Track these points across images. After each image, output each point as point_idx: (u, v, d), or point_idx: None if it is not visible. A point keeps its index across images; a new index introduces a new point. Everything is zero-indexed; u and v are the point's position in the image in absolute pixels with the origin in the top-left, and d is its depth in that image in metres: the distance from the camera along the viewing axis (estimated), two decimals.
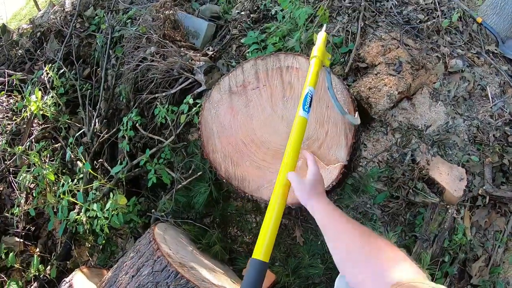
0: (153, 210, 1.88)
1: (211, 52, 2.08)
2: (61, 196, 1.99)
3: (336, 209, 0.93)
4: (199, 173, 1.86)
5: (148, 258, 1.48)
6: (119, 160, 2.01)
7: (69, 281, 1.67)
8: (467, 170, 1.98)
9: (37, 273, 2.07)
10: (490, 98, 2.16)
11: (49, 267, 2.08)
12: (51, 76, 2.35)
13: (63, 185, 1.93)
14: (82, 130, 2.03)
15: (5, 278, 2.08)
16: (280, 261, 1.81)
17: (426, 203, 1.88)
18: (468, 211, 1.96)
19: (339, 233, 0.84)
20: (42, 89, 2.48)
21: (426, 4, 2.31)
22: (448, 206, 1.88)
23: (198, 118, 1.75)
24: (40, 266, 2.09)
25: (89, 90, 2.35)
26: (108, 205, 1.88)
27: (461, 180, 1.95)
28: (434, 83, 2.12)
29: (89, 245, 2.13)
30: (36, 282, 2.06)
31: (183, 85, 1.98)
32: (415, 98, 2.09)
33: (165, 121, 1.92)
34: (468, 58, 2.21)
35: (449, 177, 1.92)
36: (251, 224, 1.90)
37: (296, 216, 1.85)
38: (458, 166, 1.97)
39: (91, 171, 1.83)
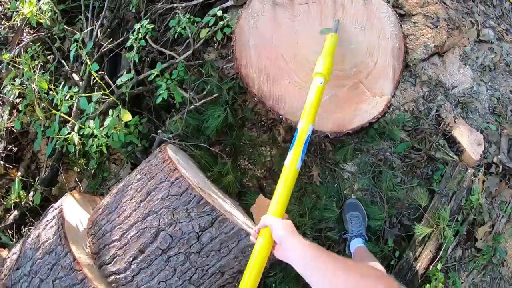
0: (159, 131, 1.68)
1: None
2: (52, 110, 1.74)
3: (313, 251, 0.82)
4: (214, 95, 1.67)
5: (162, 180, 1.25)
6: (124, 73, 1.78)
7: (59, 207, 1.40)
8: (485, 137, 1.99)
9: (18, 200, 1.82)
10: None
11: (32, 193, 1.84)
12: None
13: (55, 95, 1.68)
14: (82, 35, 1.77)
15: None
16: (294, 200, 1.67)
17: (446, 160, 1.84)
18: (483, 176, 1.93)
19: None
20: None
21: None
22: (467, 167, 1.84)
23: (230, 29, 1.56)
24: (21, 192, 1.85)
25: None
26: (107, 122, 1.65)
27: (479, 145, 1.94)
28: (466, 46, 2.08)
29: (78, 170, 1.90)
30: (16, 210, 1.82)
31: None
32: (446, 56, 2.04)
33: (184, 32, 1.70)
34: (499, 32, 2.19)
35: (469, 139, 1.91)
36: (265, 157, 1.74)
37: (314, 154, 1.72)
38: (477, 131, 1.96)
39: (94, 75, 1.59)
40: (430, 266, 1.66)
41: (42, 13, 2.04)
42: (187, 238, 1.19)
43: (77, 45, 1.64)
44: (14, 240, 1.79)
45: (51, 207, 1.45)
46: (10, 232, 1.81)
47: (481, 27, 2.12)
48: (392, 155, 1.80)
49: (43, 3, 2.03)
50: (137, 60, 1.71)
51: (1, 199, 1.93)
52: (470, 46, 2.06)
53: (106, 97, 1.70)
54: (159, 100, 1.65)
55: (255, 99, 1.39)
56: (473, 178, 1.77)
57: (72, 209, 1.46)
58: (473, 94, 1.99)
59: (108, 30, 1.95)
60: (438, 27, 1.90)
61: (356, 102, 1.35)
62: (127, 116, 1.62)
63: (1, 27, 2.07)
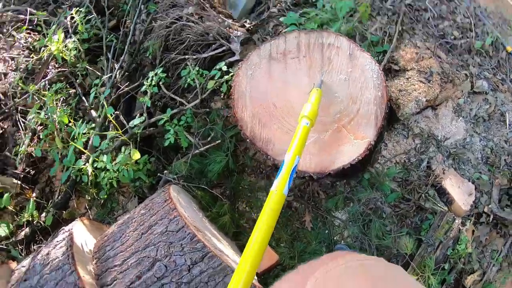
0: (165, 171, 1.83)
1: (248, 25, 2.05)
2: (70, 142, 1.91)
3: None
4: (218, 141, 1.82)
5: (163, 216, 1.43)
6: (137, 115, 1.95)
7: (69, 230, 1.58)
8: (476, 187, 2.05)
9: (30, 219, 1.98)
10: (507, 124, 2.24)
11: (44, 214, 2.00)
12: (76, 20, 2.26)
13: (74, 128, 1.85)
14: (103, 80, 1.96)
15: None
16: (286, 243, 1.78)
17: (435, 210, 1.92)
18: (472, 226, 2.00)
19: None
20: (64, 32, 2.39)
21: (462, 22, 2.34)
22: (455, 217, 1.92)
23: (232, 80, 1.74)
24: (34, 211, 2.01)
25: (114, 42, 2.28)
26: (119, 158, 1.82)
27: (470, 195, 2.01)
28: (459, 98, 2.17)
29: (89, 198, 2.06)
30: (28, 228, 1.98)
31: (216, 51, 1.93)
32: (439, 109, 2.12)
33: (192, 83, 1.87)
34: (494, 82, 2.27)
35: (460, 190, 1.98)
36: (261, 202, 1.87)
37: (308, 201, 1.84)
38: (469, 181, 2.03)
39: (110, 117, 1.76)
40: None
41: (67, 50, 2.24)
42: (180, 270, 1.33)
43: (96, 90, 1.82)
44: (23, 255, 1.93)
45: (62, 229, 1.60)
46: (20, 247, 1.95)
47: (475, 78, 2.20)
48: (383, 204, 1.91)
49: (69, 42, 2.24)
50: (149, 105, 1.87)
51: (15, 216, 2.08)
52: (464, 98, 2.14)
53: (119, 136, 1.87)
54: (166, 143, 1.80)
55: (247, 140, 1.54)
56: (460, 228, 1.85)
57: (81, 233, 1.62)
58: (465, 145, 2.07)
59: (126, 73, 2.12)
60: (431, 81, 2.01)
61: (338, 145, 1.47)
62: (136, 155, 1.78)
63: (30, 60, 2.27)
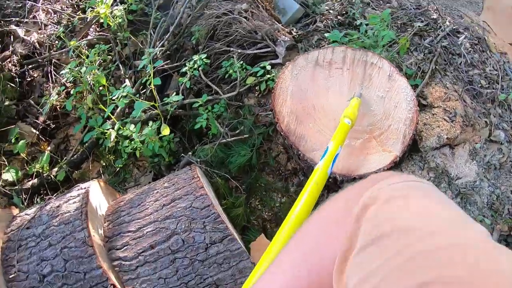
0: (189, 153, 1.85)
1: (295, 33, 2.12)
2: (100, 104, 1.92)
3: None
4: (245, 135, 1.86)
5: (188, 192, 1.44)
6: (169, 94, 1.97)
7: (86, 188, 1.57)
8: None
9: (40, 170, 1.97)
10: None
11: (56, 169, 1.99)
12: None
13: (106, 91, 1.87)
14: (153, 53, 1.97)
15: (6, 162, 1.97)
16: None
17: None
18: None
19: None
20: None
21: (491, 73, 2.47)
22: None
23: (274, 79, 1.84)
24: (46, 164, 2.00)
25: (159, 20, 2.32)
26: (146, 130, 1.83)
27: None
28: (476, 143, 2.27)
29: (105, 164, 2.06)
30: (36, 179, 1.96)
31: (261, 50, 1.99)
32: (456, 149, 2.22)
33: (234, 75, 1.91)
34: (510, 134, 2.38)
35: None
36: (274, 202, 1.90)
37: None
38: None
39: (152, 88, 1.77)
40: None
41: (113, 17, 2.27)
42: (197, 247, 1.35)
43: (148, 58, 1.83)
44: (25, 204, 1.90)
45: (78, 186, 1.59)
46: (24, 196, 1.92)
47: (494, 128, 2.32)
48: None
49: (116, 9, 2.27)
50: (188, 86, 1.91)
51: (26, 164, 2.05)
52: (481, 144, 2.26)
53: (152, 109, 1.89)
54: (197, 126, 1.83)
55: (281, 133, 1.59)
56: None
57: (96, 194, 1.61)
58: (474, 188, 2.16)
59: (167, 52, 2.16)
60: (454, 121, 2.12)
61: (367, 153, 1.56)
62: (166, 131, 1.80)
63: (75, 16, 2.28)
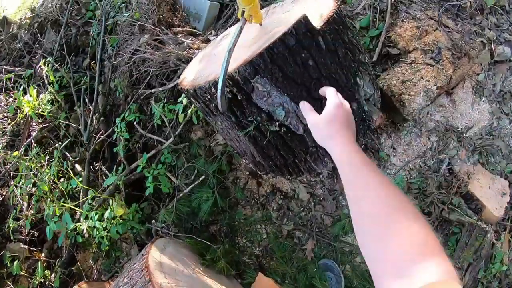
0: (153, 221, 1.71)
1: (213, 37, 1.81)
2: (58, 204, 1.86)
3: (356, 156, 0.73)
4: (201, 178, 1.65)
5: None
6: (115, 166, 1.84)
7: None
8: (511, 183, 1.65)
9: (42, 280, 1.99)
10: None
11: (53, 274, 2.00)
12: (47, 71, 2.18)
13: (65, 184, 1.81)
14: (80, 129, 1.86)
15: (11, 286, 2.03)
16: (290, 279, 1.59)
17: (462, 222, 1.58)
18: (508, 234, 1.64)
19: (360, 189, 0.67)
20: (41, 84, 2.34)
21: None
22: (486, 229, 1.57)
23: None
24: (46, 271, 2.02)
25: (88, 83, 2.17)
26: (106, 214, 1.73)
27: (504, 196, 1.65)
28: (478, 74, 1.77)
29: (93, 251, 2.02)
30: None
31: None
32: (455, 93, 1.74)
33: (160, 122, 1.71)
34: None
35: (490, 192, 1.63)
36: (261, 236, 1.68)
37: (311, 228, 1.62)
38: (501, 177, 1.65)
39: (81, 185, 1.66)
40: None
41: (46, 104, 2.17)
42: None
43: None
44: None
45: None
46: None
47: (494, 44, 1.76)
48: None
49: (42, 97, 2.17)
50: (123, 154, 1.75)
51: (29, 279, 2.10)
52: (484, 72, 1.75)
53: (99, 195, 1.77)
54: (147, 193, 1.67)
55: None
56: (494, 241, 1.52)
57: None
58: (492, 132, 1.69)
59: (102, 118, 2.01)
60: (441, 61, 1.64)
61: None
62: (120, 211, 1.68)
63: (12, 124, 2.24)
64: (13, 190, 2.07)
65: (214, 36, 1.87)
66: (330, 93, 0.88)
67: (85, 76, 2.26)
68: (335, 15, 1.04)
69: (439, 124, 1.66)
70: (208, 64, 1.22)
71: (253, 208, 1.71)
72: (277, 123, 1.04)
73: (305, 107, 0.91)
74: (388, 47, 1.71)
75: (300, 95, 0.97)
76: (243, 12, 1.04)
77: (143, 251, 1.45)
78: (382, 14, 1.77)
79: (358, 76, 1.17)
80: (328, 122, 0.82)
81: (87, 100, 2.15)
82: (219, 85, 0.93)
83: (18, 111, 2.17)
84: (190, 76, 1.22)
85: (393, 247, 0.55)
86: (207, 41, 1.82)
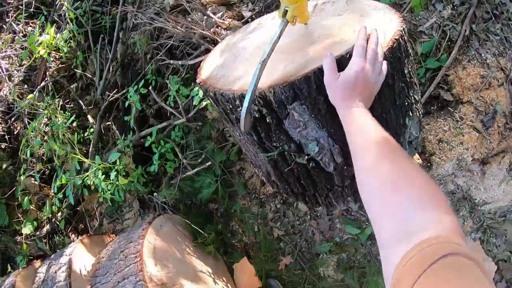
0: (155, 194, 1.76)
1: (250, 13, 1.62)
2: (71, 150, 1.92)
3: (371, 130, 0.69)
4: (207, 164, 1.66)
5: (132, 273, 1.42)
6: (124, 133, 1.83)
7: (69, 255, 1.70)
8: (499, 269, 1.53)
9: (50, 215, 2.15)
10: None
11: (60, 213, 2.15)
12: (66, 6, 2.04)
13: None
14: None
15: (21, 218, 2.19)
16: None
17: None
18: None
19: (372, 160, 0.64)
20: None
21: None
22: None
23: None
24: (53, 207, 2.16)
25: (107, 25, 2.05)
26: (112, 175, 1.79)
27: None
28: None
29: (98, 195, 2.13)
30: (48, 225, 2.17)
31: (203, 57, 1.62)
32: (489, 164, 1.53)
33: (173, 104, 1.64)
34: None
35: None
36: (253, 230, 1.74)
37: (300, 237, 1.65)
38: (492, 261, 1.53)
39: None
40: None
41: (62, 42, 2.09)
42: None
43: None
44: (48, 247, 2.16)
45: (64, 252, 1.74)
46: (44, 241, 2.16)
47: None
48: None
49: (61, 35, 2.08)
50: (132, 125, 1.73)
51: (39, 211, 2.28)
52: None
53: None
54: (152, 169, 1.69)
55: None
56: None
57: (80, 256, 1.74)
58: (507, 215, 1.53)
59: (119, 69, 1.94)
60: (490, 128, 1.42)
61: None
62: (124, 181, 1.73)
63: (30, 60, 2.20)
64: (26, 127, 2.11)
65: (249, 11, 1.68)
66: (357, 49, 0.75)
67: (105, 19, 2.12)
68: (400, 39, 0.87)
69: (458, 190, 1.52)
70: (232, 60, 1.03)
71: (252, 202, 1.73)
72: (306, 157, 0.93)
73: (327, 61, 0.76)
74: (441, 89, 1.49)
75: (341, 133, 0.78)
76: (285, 11, 0.84)
77: (140, 229, 1.53)
78: (449, 43, 1.51)
79: (408, 117, 1.03)
80: (345, 87, 0.73)
81: (98, 47, 2.04)
82: (245, 104, 0.78)
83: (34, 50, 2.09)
84: (208, 70, 1.04)
85: (401, 198, 0.54)
86: (240, 18, 1.65)
